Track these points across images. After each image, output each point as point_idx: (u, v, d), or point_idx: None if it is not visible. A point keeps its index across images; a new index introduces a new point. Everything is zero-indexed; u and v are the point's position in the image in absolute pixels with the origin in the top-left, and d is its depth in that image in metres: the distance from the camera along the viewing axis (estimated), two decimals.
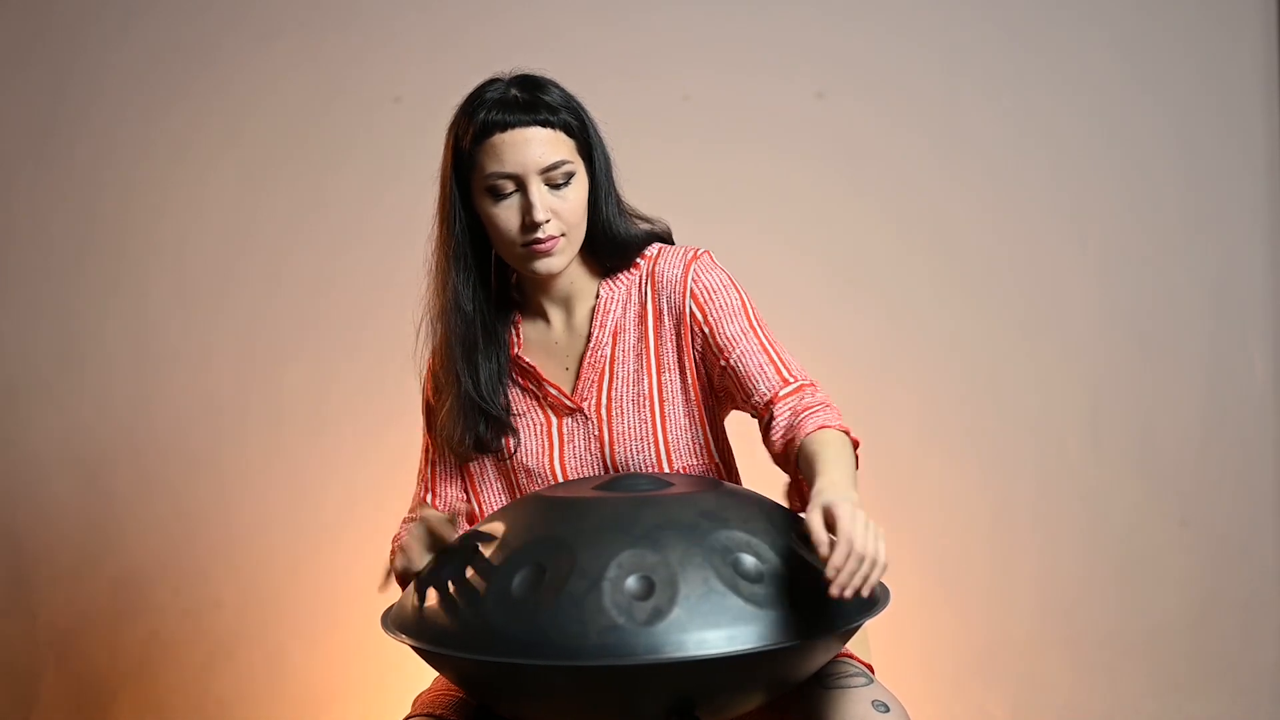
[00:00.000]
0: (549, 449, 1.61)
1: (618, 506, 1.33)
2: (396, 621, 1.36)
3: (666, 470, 1.58)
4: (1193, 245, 2.76)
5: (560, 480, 1.59)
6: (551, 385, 1.61)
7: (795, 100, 2.74)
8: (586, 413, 1.59)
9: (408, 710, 1.56)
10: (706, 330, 1.57)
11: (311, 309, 2.76)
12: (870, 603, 1.32)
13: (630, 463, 1.58)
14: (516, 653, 1.21)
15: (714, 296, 1.58)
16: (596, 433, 1.59)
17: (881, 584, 1.41)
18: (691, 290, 1.58)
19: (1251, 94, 2.74)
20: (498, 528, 1.35)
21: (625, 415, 1.58)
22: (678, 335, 1.59)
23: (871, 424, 2.71)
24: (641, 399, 1.58)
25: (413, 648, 1.31)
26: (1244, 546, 2.77)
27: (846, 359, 2.70)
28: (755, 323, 1.58)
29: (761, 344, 1.57)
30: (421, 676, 1.61)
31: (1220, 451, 2.76)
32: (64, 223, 2.79)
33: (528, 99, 1.53)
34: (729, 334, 1.57)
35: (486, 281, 1.62)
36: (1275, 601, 2.77)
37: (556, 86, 1.57)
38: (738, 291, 1.60)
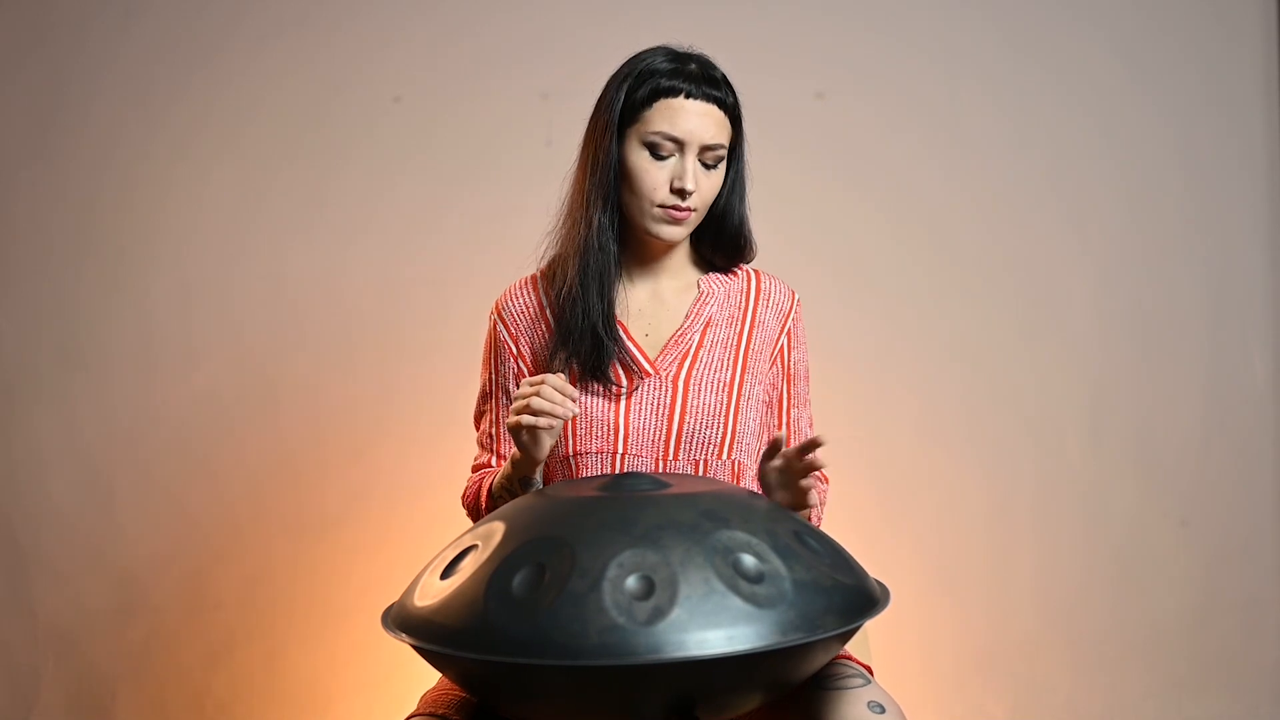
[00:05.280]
0: (615, 402, 1.66)
1: (618, 506, 1.33)
2: (397, 621, 1.35)
3: (724, 456, 1.66)
4: (1193, 245, 2.77)
5: (619, 439, 1.65)
6: (633, 342, 1.68)
7: (795, 100, 2.74)
8: (662, 379, 1.66)
9: (408, 709, 1.56)
10: (784, 369, 1.75)
11: (311, 308, 2.76)
12: (870, 603, 1.32)
13: (698, 436, 1.65)
14: (516, 652, 1.20)
15: (801, 346, 1.77)
16: (669, 400, 1.66)
17: (881, 584, 1.41)
18: (790, 329, 1.75)
19: (1251, 94, 2.75)
20: (498, 527, 1.35)
21: (703, 393, 1.66)
22: (772, 349, 1.73)
23: (871, 424, 2.73)
24: (721, 385, 1.67)
25: (413, 647, 1.31)
26: (1244, 546, 2.77)
27: (847, 359, 2.70)
28: (809, 390, 1.80)
29: (811, 418, 1.79)
30: (421, 676, 1.62)
31: (1220, 451, 2.76)
32: (64, 222, 2.79)
33: (710, 76, 1.62)
34: (797, 390, 1.77)
35: (620, 225, 1.68)
36: (1275, 601, 2.78)
37: (725, 77, 1.66)
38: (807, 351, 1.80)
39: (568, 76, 2.71)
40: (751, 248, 1.75)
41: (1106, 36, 2.75)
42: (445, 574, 1.34)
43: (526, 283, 1.75)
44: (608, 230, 1.66)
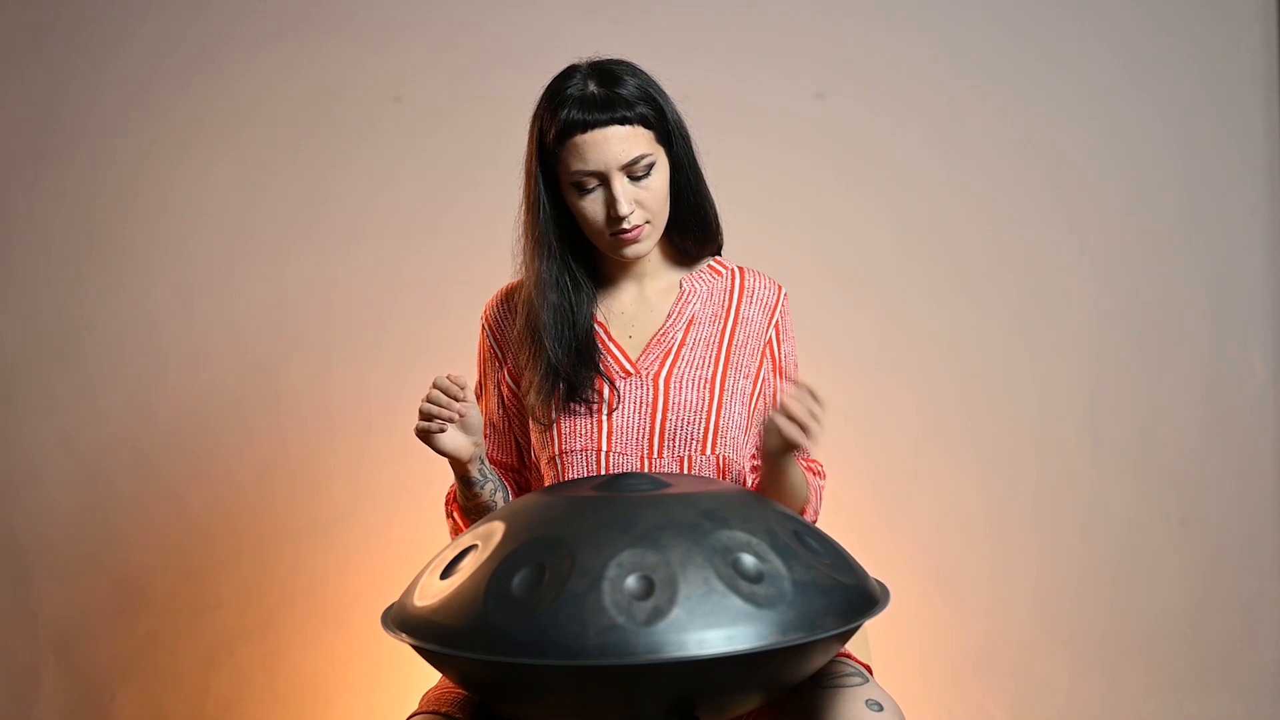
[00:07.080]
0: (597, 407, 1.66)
1: (618, 506, 1.33)
2: (397, 621, 1.35)
3: (708, 451, 1.65)
4: (1192, 245, 2.76)
5: (603, 437, 1.64)
6: (615, 345, 1.69)
7: (795, 100, 2.74)
8: (643, 379, 1.66)
9: (408, 709, 1.56)
10: (774, 363, 1.74)
11: (312, 308, 2.76)
12: (870, 602, 1.32)
13: (681, 431, 1.65)
14: (516, 652, 1.21)
15: (790, 339, 1.77)
16: (650, 399, 1.66)
17: (881, 584, 1.41)
18: (778, 322, 1.75)
19: (1251, 94, 2.74)
20: (498, 527, 1.35)
21: (684, 389, 1.66)
22: (760, 344, 1.72)
23: (871, 424, 2.73)
24: (703, 382, 1.67)
25: (413, 647, 1.31)
26: (1244, 546, 2.77)
27: (846, 359, 2.70)
28: None
29: None
30: (421, 676, 1.62)
31: (1220, 451, 2.76)
32: (64, 223, 2.79)
33: (605, 95, 1.58)
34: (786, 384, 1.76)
35: (577, 260, 1.68)
36: (1275, 601, 2.77)
37: (633, 75, 1.62)
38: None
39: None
40: (719, 227, 1.74)
41: (1106, 36, 2.75)
42: (445, 574, 1.34)
43: (510, 293, 1.75)
44: (550, 283, 1.65)
